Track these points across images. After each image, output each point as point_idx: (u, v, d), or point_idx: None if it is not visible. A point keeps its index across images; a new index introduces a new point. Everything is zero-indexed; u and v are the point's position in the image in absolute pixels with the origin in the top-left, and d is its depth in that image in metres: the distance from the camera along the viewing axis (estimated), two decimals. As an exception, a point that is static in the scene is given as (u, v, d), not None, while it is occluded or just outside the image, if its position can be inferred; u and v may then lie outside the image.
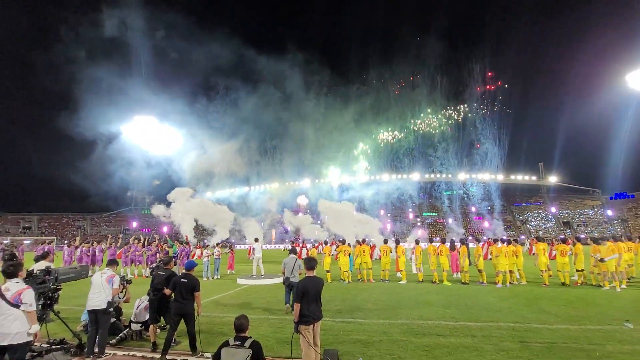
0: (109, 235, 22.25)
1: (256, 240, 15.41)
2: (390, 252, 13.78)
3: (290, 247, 10.19)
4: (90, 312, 5.34)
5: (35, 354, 4.76)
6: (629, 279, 11.39)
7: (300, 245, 20.88)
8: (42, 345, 5.20)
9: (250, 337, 3.70)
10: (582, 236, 34.11)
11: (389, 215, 56.81)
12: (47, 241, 19.25)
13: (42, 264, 6.35)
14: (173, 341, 5.55)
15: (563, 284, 11.40)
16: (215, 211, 19.65)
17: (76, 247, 16.26)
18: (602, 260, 10.64)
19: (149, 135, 54.09)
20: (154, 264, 9.23)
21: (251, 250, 24.09)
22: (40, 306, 4.94)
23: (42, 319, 4.90)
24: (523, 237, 44.58)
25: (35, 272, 4.97)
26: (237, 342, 3.62)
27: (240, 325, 3.77)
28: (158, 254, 15.54)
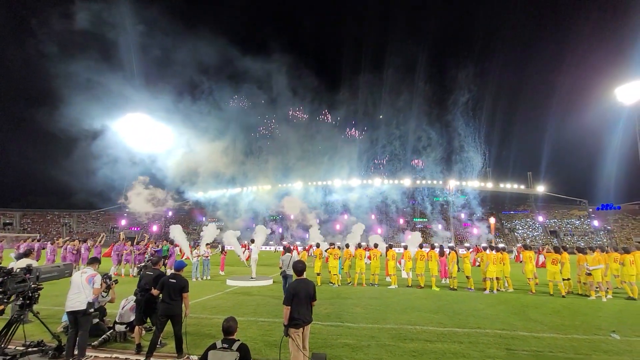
0: (103, 233, 21.76)
1: (252, 241, 15.16)
2: (380, 255, 13.82)
3: (283, 248, 10.88)
4: (70, 313, 5.10)
5: (8, 357, 4.55)
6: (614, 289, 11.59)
7: (292, 247, 20.92)
8: (17, 347, 5.00)
9: (238, 340, 3.64)
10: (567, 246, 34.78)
11: (379, 219, 57.05)
12: (30, 238, 18.71)
13: (24, 262, 6.14)
14: (159, 343, 5.41)
15: (552, 294, 11.06)
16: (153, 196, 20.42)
17: (59, 246, 15.84)
18: (588, 273, 10.85)
19: (140, 132, 53.45)
20: (142, 263, 9.05)
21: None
22: (18, 306, 4.76)
23: (19, 319, 4.71)
24: (501, 245, 45.10)
25: (15, 270, 4.79)
26: (225, 345, 3.55)
27: (229, 328, 3.70)
28: (146, 253, 15.27)
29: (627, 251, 11.46)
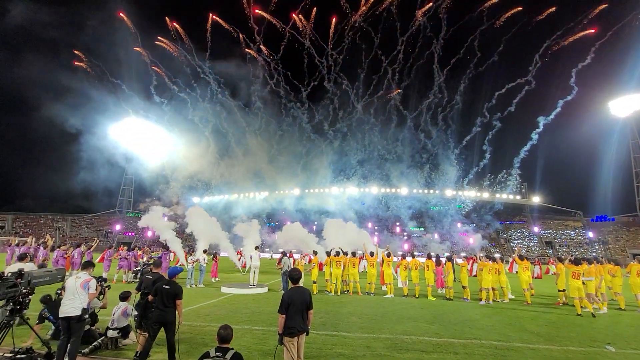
0: (95, 238, 21.16)
1: (256, 248, 15.53)
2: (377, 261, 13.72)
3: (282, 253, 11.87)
4: (63, 319, 4.95)
5: None
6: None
7: (288, 255, 20.85)
8: (5, 355, 4.88)
9: (232, 349, 3.59)
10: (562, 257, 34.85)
11: (376, 228, 56.96)
12: (21, 242, 18.46)
13: (15, 266, 6.04)
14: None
15: (578, 314, 9.89)
16: None
17: (52, 249, 15.63)
18: (583, 283, 10.82)
19: (136, 139, 53.77)
20: (138, 267, 8.91)
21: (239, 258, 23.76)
22: (8, 312, 4.66)
23: (8, 325, 4.61)
24: (498, 255, 45.21)
25: (6, 274, 4.70)
26: (218, 354, 3.50)
27: (226, 336, 3.65)
28: (141, 259, 15.15)
29: (617, 263, 11.61)
